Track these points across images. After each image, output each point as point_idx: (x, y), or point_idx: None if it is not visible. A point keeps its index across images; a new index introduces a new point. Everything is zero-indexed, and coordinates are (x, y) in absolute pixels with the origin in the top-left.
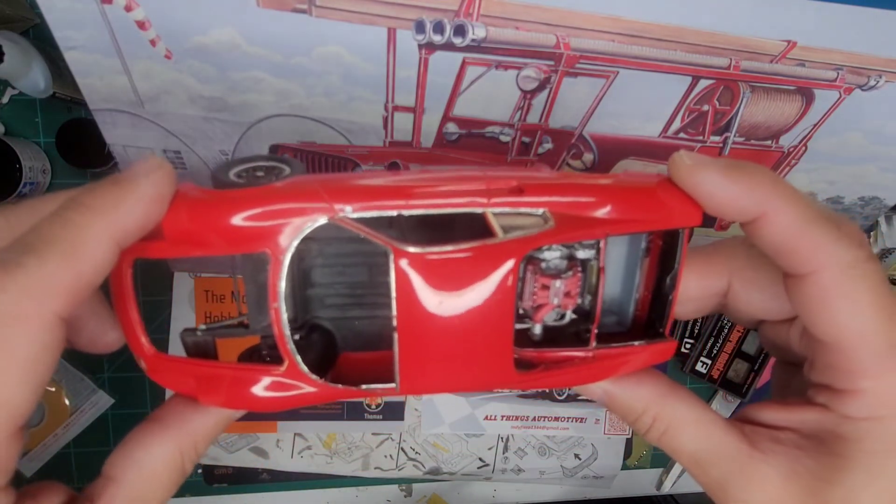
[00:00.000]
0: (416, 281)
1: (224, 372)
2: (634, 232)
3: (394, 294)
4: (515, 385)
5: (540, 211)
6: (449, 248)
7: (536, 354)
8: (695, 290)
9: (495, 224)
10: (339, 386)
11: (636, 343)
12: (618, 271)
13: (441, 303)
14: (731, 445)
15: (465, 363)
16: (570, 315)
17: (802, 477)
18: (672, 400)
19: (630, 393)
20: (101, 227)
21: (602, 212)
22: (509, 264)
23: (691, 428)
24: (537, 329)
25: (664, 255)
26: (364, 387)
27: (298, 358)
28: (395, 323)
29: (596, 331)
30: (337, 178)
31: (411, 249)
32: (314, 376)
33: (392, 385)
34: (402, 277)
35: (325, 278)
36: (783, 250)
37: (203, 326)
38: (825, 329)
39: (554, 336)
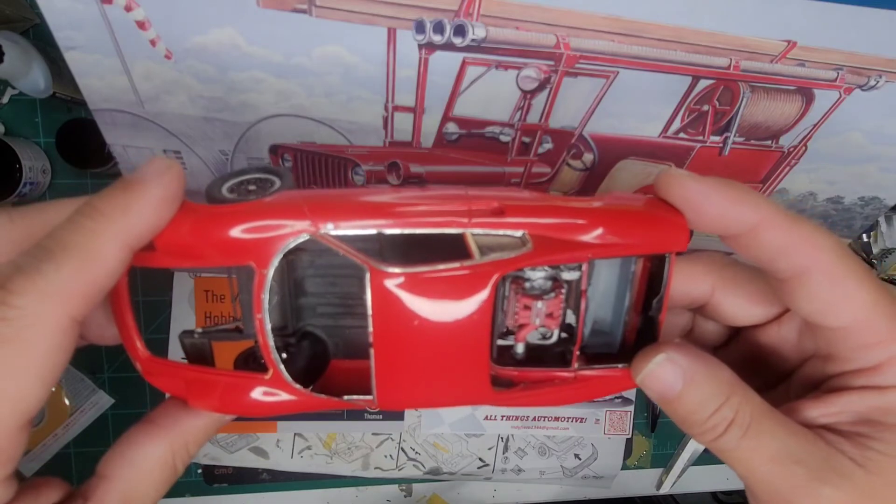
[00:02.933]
0: (392, 299)
1: (213, 377)
2: (618, 256)
3: (370, 311)
4: (493, 403)
5: (519, 233)
6: (425, 268)
7: (517, 373)
8: (679, 295)
9: (473, 245)
10: (322, 396)
11: (619, 366)
12: (609, 293)
13: (416, 321)
14: (811, 441)
15: (440, 380)
16: (557, 334)
17: (877, 461)
18: (748, 388)
19: (713, 376)
20: (114, 232)
21: (585, 235)
22: (484, 286)
23: (774, 422)
24: (520, 348)
25: (652, 278)
26: (346, 398)
27: (282, 367)
28: (370, 339)
29: (578, 352)
30: (322, 195)
31: (387, 269)
32: (297, 385)
33: (370, 398)
34: (378, 295)
35: (317, 288)
36: (782, 252)
37: (200, 329)
38: (843, 314)
39: (541, 355)
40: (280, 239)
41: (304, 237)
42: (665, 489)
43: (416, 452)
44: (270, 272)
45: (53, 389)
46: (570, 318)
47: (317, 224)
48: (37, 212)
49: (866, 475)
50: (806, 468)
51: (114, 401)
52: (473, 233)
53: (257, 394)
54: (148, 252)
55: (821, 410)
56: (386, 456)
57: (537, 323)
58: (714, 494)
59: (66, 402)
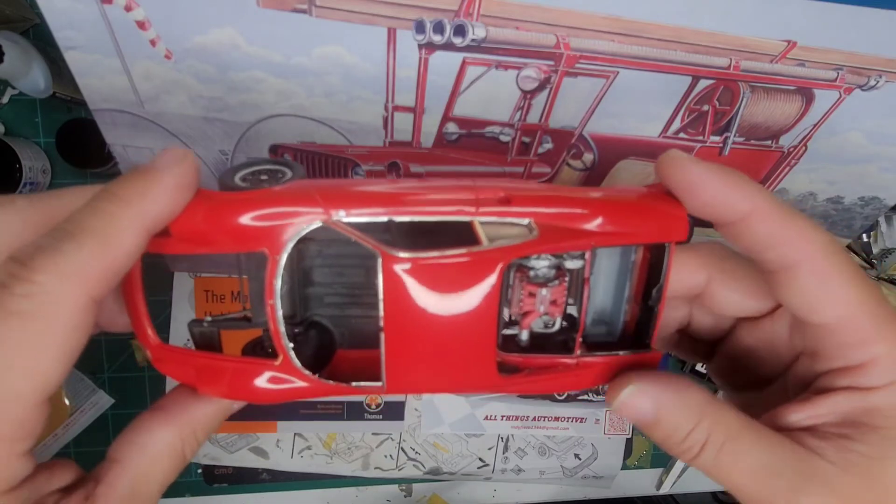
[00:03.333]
0: (403, 284)
1: (223, 364)
2: (621, 245)
3: (381, 296)
4: (499, 388)
5: (525, 221)
6: (435, 253)
7: (521, 359)
8: (674, 284)
9: (481, 232)
10: (331, 382)
11: (620, 353)
12: (609, 282)
13: (426, 306)
14: (788, 451)
15: (448, 365)
16: (560, 323)
17: (858, 464)
18: (721, 407)
19: (682, 402)
20: (132, 217)
21: (589, 224)
22: (492, 271)
23: (749, 438)
24: (524, 335)
25: (651, 268)
26: (354, 384)
27: (292, 353)
28: (381, 323)
29: (581, 339)
30: (334, 184)
31: (399, 254)
32: (306, 371)
33: (380, 384)
34: (390, 280)
35: (324, 278)
36: (772, 243)
37: (209, 318)
38: (828, 310)
39: (543, 343)
40: (293, 226)
41: (316, 224)
42: (665, 489)
43: (416, 452)
44: (283, 258)
45: None
46: (571, 310)
47: (329, 211)
48: (54, 197)
49: (847, 479)
50: (784, 480)
51: (114, 401)
52: (481, 221)
53: (266, 380)
54: (163, 238)
55: (806, 413)
56: (386, 456)
57: (541, 310)
58: (714, 494)
59: (66, 402)
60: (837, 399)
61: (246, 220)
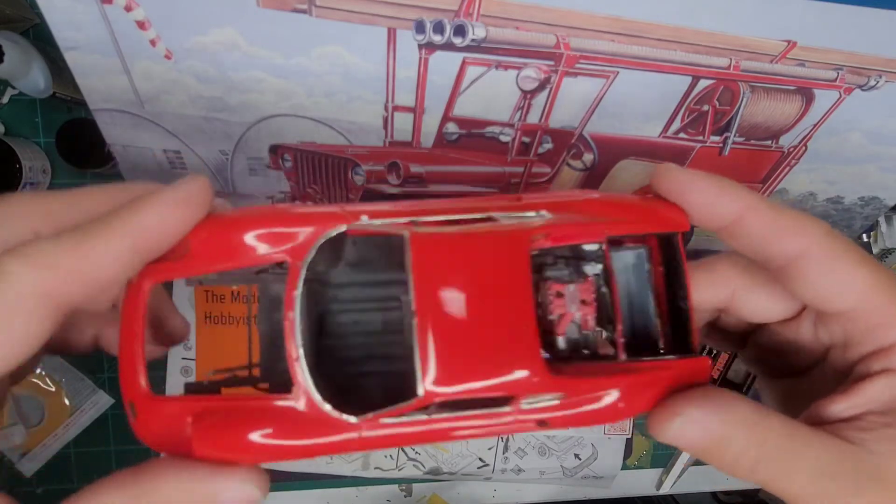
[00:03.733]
0: (432, 260)
1: (224, 404)
2: (629, 233)
3: (410, 276)
4: (547, 385)
5: (536, 213)
6: (458, 228)
7: (565, 366)
8: (705, 302)
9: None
10: (353, 418)
11: (670, 357)
12: (632, 299)
13: (457, 282)
14: (837, 451)
15: (489, 349)
16: (593, 335)
17: None
18: (766, 418)
19: (730, 425)
20: (121, 226)
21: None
22: (520, 243)
23: (798, 446)
24: (562, 342)
25: (669, 277)
26: (384, 413)
27: (308, 377)
28: (413, 307)
29: (622, 340)
30: (352, 203)
31: (426, 229)
32: (326, 405)
33: (413, 400)
34: (419, 256)
35: (339, 328)
36: (771, 239)
37: (211, 373)
38: (842, 297)
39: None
40: (317, 232)
41: (341, 228)
42: (665, 489)
43: (416, 452)
44: (305, 264)
45: (53, 389)
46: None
47: (350, 218)
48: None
49: None
50: (838, 482)
51: (114, 401)
52: (497, 216)
53: (266, 434)
54: (183, 259)
55: (847, 403)
56: (386, 456)
57: (573, 310)
58: (714, 494)
59: (66, 402)
60: (876, 384)
61: (268, 230)
